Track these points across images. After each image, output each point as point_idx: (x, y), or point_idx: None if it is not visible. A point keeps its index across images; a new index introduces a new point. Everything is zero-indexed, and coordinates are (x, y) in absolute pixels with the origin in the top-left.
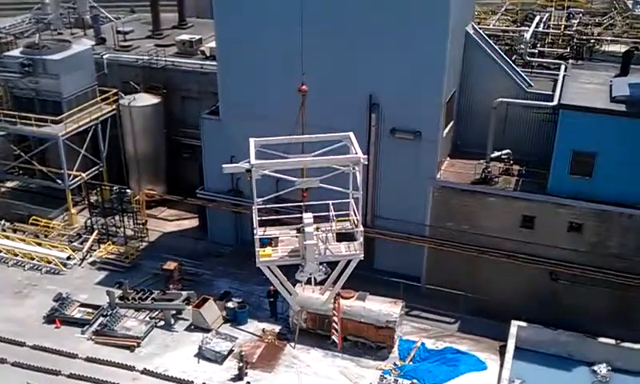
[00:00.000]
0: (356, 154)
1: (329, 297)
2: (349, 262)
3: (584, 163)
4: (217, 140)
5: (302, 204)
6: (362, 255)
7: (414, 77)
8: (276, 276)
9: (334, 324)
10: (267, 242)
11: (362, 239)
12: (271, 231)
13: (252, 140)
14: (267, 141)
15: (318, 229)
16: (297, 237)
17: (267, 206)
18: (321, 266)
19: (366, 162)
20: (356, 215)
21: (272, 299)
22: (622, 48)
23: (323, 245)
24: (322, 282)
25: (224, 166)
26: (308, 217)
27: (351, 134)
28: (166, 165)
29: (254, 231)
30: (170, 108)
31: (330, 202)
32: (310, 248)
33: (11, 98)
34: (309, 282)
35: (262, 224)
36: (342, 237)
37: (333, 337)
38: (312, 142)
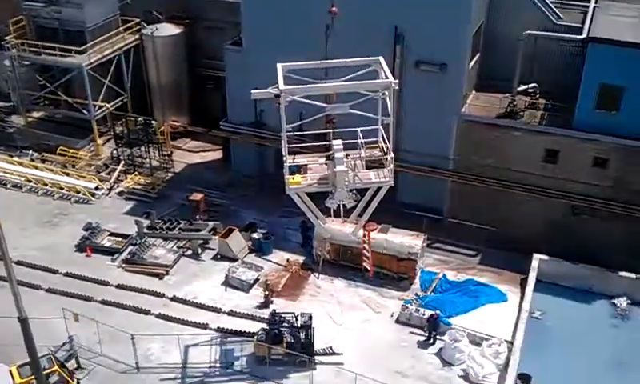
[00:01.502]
0: (386, 78)
1: (359, 223)
2: (378, 189)
3: (611, 97)
4: (240, 71)
5: (330, 131)
6: (392, 182)
7: (440, 7)
8: (305, 203)
9: (365, 252)
10: (296, 169)
11: (391, 166)
12: (300, 159)
13: (280, 65)
14: (295, 66)
15: (347, 156)
16: (325, 164)
17: (295, 133)
18: (350, 193)
19: (397, 87)
20: (385, 142)
21: (305, 232)
22: None
23: (352, 172)
24: (352, 209)
25: (253, 91)
26: (338, 143)
27: (381, 59)
28: (189, 96)
29: (284, 159)
30: (192, 38)
31: (359, 129)
32: (340, 174)
33: (35, 27)
34: (337, 210)
35: (290, 152)
36: (372, 164)
37: (365, 264)
38: (338, 68)
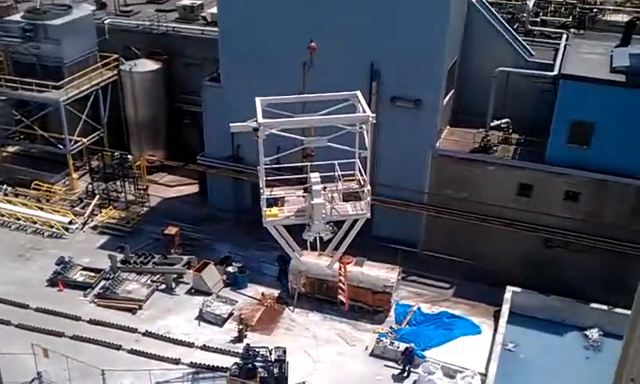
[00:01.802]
0: (364, 112)
1: (335, 256)
2: (355, 222)
3: (582, 133)
4: (218, 106)
5: (307, 164)
6: (369, 214)
7: (415, 44)
8: (282, 236)
9: (340, 285)
10: (273, 202)
11: (368, 198)
12: (277, 192)
13: (258, 99)
14: (273, 100)
15: (324, 189)
16: (303, 197)
17: (273, 166)
18: (327, 225)
19: (375, 121)
20: (362, 175)
21: (283, 266)
22: (624, 18)
23: (329, 204)
24: (328, 242)
25: (231, 124)
26: (315, 176)
27: (358, 93)
28: (166, 131)
29: (261, 191)
30: (170, 74)
31: (336, 162)
32: (318, 207)
33: (12, 63)
34: (314, 243)
35: (268, 185)
36: (348, 197)
37: (340, 297)
38: (315, 103)
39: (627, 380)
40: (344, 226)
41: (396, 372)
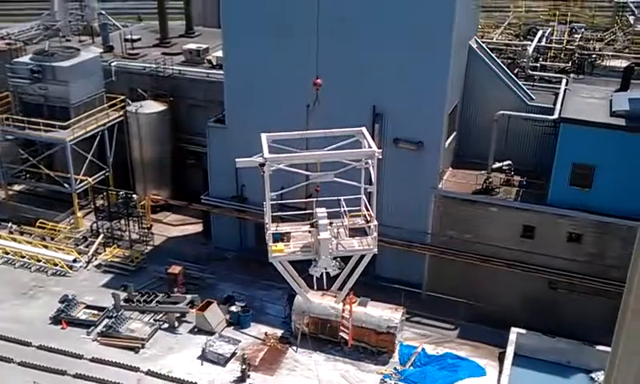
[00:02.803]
0: (370, 148)
1: (342, 292)
2: (361, 258)
3: (583, 175)
4: (222, 147)
5: (313, 200)
6: (376, 250)
7: (417, 88)
8: (288, 272)
9: (344, 321)
10: (279, 237)
11: (375, 234)
12: (283, 227)
13: (264, 135)
14: (279, 136)
15: (330, 224)
16: (309, 232)
17: (278, 202)
18: (334, 261)
19: (381, 157)
20: (369, 210)
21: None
22: (623, 63)
23: (336, 239)
24: (334, 278)
25: (237, 160)
26: (322, 211)
27: (364, 129)
28: (171, 171)
29: (266, 226)
30: (176, 115)
31: (342, 197)
32: (324, 242)
33: (20, 103)
34: (320, 279)
35: (273, 220)
36: (355, 232)
37: (342, 334)
38: (320, 139)
39: None
40: (350, 262)
41: None
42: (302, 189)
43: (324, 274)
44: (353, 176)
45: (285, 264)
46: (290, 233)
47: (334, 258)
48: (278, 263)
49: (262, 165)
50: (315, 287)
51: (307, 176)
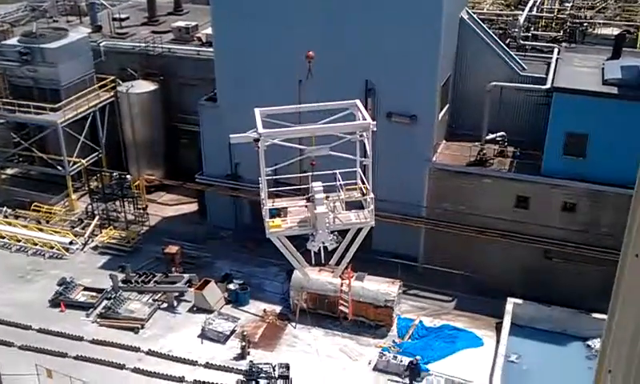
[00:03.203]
0: (364, 120)
1: (340, 266)
2: (358, 231)
3: (577, 144)
4: (215, 126)
5: (308, 174)
6: (373, 222)
7: (409, 62)
8: (286, 247)
9: (342, 295)
10: (276, 213)
11: (372, 206)
12: (279, 203)
13: (257, 110)
14: (272, 110)
15: (326, 198)
16: (305, 207)
17: (273, 177)
18: (332, 235)
19: (375, 129)
20: (364, 183)
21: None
22: (615, 31)
23: (333, 213)
24: (332, 252)
25: (231, 136)
26: (318, 185)
27: (358, 102)
28: (164, 150)
29: (263, 202)
30: (167, 94)
31: (337, 171)
32: (321, 216)
33: (9, 86)
34: (318, 253)
35: (269, 196)
36: (351, 206)
37: (342, 308)
38: (313, 114)
39: (605, 371)
40: (348, 236)
41: None
42: (297, 164)
43: (321, 249)
44: (348, 149)
45: (282, 239)
46: (286, 208)
47: (332, 232)
48: (275, 239)
49: (257, 140)
50: (313, 262)
51: (302, 151)
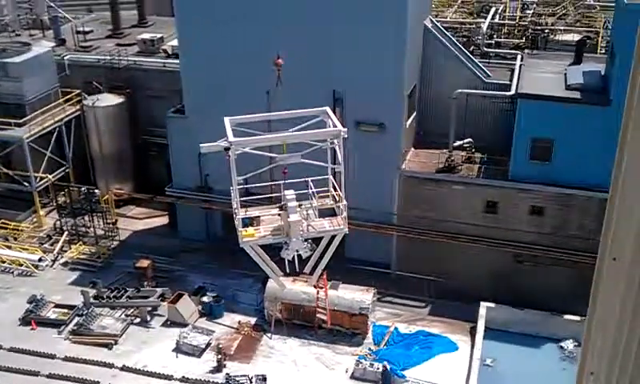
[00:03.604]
0: (335, 127)
1: (315, 274)
2: (332, 238)
3: (543, 149)
4: (183, 138)
5: (280, 182)
6: (347, 229)
7: (375, 71)
8: (260, 256)
9: (319, 303)
10: (249, 222)
11: (345, 213)
12: (252, 211)
13: (227, 119)
14: (242, 119)
15: (299, 206)
16: (279, 215)
17: (245, 186)
18: (306, 243)
19: (346, 136)
20: (337, 190)
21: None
22: (576, 37)
23: (306, 221)
24: (306, 260)
25: (202, 145)
26: (290, 193)
27: (328, 109)
28: (133, 164)
29: (235, 211)
30: (134, 107)
31: (309, 179)
32: (295, 224)
33: None
34: (292, 261)
35: (242, 206)
36: (324, 214)
37: (320, 316)
38: (283, 122)
39: (587, 373)
40: (322, 243)
41: None
42: (268, 173)
43: (295, 257)
44: (319, 157)
45: (256, 248)
46: (259, 217)
47: (305, 240)
48: (249, 248)
49: (227, 149)
50: (287, 270)
51: (272, 159)
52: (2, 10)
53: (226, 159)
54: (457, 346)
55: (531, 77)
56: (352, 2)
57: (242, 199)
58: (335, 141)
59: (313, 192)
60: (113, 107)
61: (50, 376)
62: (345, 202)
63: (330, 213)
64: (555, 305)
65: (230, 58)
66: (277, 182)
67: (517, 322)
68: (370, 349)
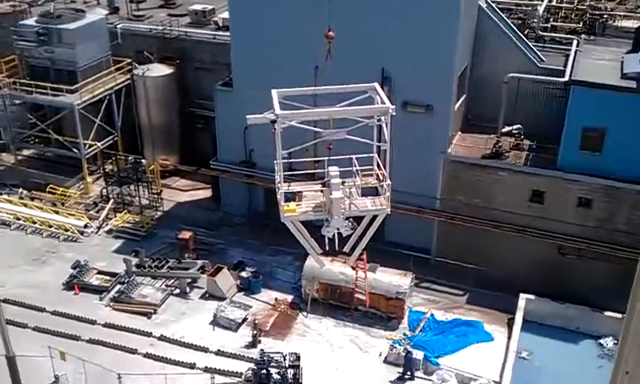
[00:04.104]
0: (383, 104)
1: (355, 253)
2: (373, 219)
3: (594, 139)
4: (230, 111)
5: (324, 159)
6: (389, 210)
7: (426, 51)
8: (300, 232)
9: (358, 282)
10: (291, 196)
11: (388, 193)
12: (294, 186)
13: (275, 91)
14: (290, 92)
15: (343, 183)
16: (321, 192)
17: (289, 160)
18: (347, 221)
19: (395, 113)
20: (381, 169)
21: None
22: (635, 24)
23: (348, 199)
24: (346, 239)
25: (248, 116)
26: (334, 170)
27: (376, 85)
28: (179, 135)
29: (278, 185)
30: (183, 78)
31: (354, 156)
32: (337, 201)
33: (27, 66)
34: (333, 239)
35: (284, 180)
36: (367, 192)
37: (358, 296)
38: (330, 98)
39: (623, 373)
40: (363, 223)
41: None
42: (312, 149)
43: (336, 235)
44: (364, 134)
45: (297, 224)
46: (301, 192)
47: (347, 218)
48: (289, 223)
49: (274, 121)
50: (327, 248)
51: (317, 135)
52: None
53: (272, 132)
54: (492, 336)
55: (586, 63)
56: None
57: (285, 174)
58: (382, 118)
59: (357, 169)
60: (162, 78)
61: (90, 341)
62: (389, 182)
63: (373, 193)
64: (596, 300)
65: (280, 33)
66: (321, 158)
67: (556, 315)
68: (404, 334)
